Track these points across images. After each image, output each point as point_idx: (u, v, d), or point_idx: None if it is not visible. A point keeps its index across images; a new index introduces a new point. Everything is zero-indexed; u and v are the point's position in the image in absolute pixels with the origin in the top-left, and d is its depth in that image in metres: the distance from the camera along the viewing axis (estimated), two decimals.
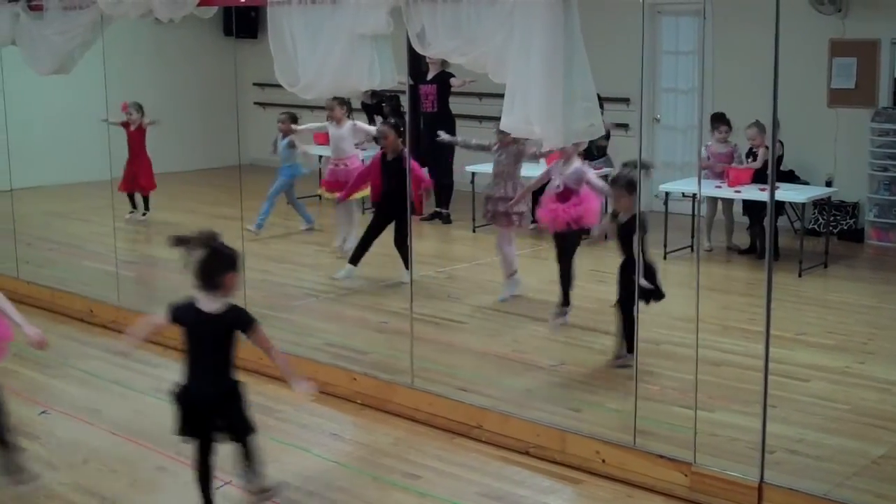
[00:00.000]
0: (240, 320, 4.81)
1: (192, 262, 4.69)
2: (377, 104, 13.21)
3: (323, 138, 11.62)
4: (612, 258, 10.37)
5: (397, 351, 7.01)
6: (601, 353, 7.33)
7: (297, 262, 10.38)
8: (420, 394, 6.33)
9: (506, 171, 8.64)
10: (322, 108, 13.61)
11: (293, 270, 9.96)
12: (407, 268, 8.75)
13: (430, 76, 11.24)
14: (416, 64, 10.79)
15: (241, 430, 4.97)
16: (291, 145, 11.08)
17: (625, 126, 11.33)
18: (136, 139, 11.91)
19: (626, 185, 6.78)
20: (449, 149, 11.07)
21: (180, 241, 4.69)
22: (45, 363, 7.49)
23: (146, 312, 7.68)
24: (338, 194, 10.00)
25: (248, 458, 5.05)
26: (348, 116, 10.62)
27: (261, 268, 9.39)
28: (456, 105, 12.34)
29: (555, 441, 5.78)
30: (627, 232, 6.74)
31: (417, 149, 10.64)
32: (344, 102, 10.41)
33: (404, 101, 12.42)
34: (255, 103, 15.56)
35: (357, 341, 7.61)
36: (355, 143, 10.62)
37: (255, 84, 15.24)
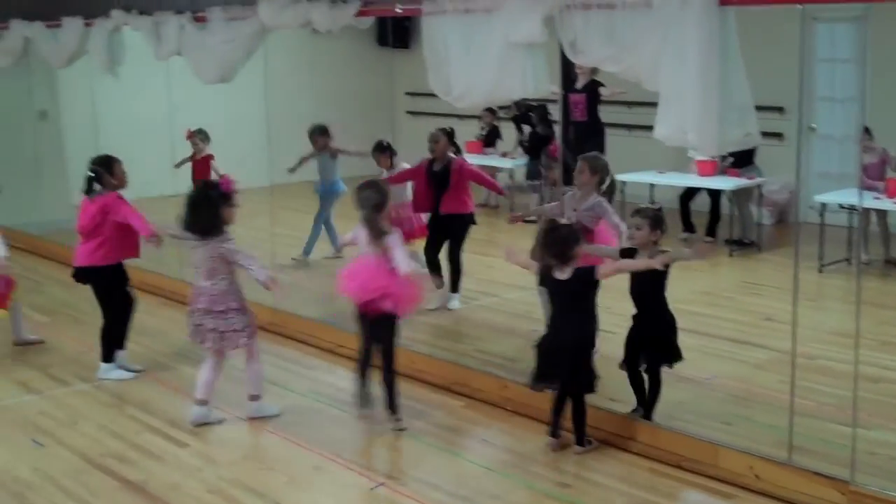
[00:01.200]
0: (585, 278, 5.77)
1: (548, 244, 5.79)
2: (525, 113, 13.24)
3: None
4: (766, 269, 10.23)
5: None
6: (755, 367, 7.21)
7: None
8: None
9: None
10: (475, 117, 13.81)
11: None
12: (454, 290, 8.74)
13: (579, 85, 11.19)
14: (566, 73, 10.76)
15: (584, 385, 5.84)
16: (333, 155, 10.57)
17: (779, 135, 11.09)
18: (201, 169, 11.23)
19: (653, 218, 6.01)
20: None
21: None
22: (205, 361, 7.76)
23: (298, 314, 7.93)
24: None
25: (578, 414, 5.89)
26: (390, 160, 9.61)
27: None
28: (605, 114, 12.27)
29: (707, 454, 5.71)
30: (649, 276, 5.95)
31: (567, 158, 10.59)
32: (385, 148, 9.55)
33: (551, 109, 12.46)
34: (407, 112, 15.77)
35: (506, 348, 7.65)
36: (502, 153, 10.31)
37: (406, 93, 15.45)
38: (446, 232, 8.73)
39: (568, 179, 7.46)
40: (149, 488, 5.63)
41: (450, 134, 8.81)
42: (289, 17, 7.76)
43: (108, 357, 7.42)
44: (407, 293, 6.13)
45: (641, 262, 5.84)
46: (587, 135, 10.94)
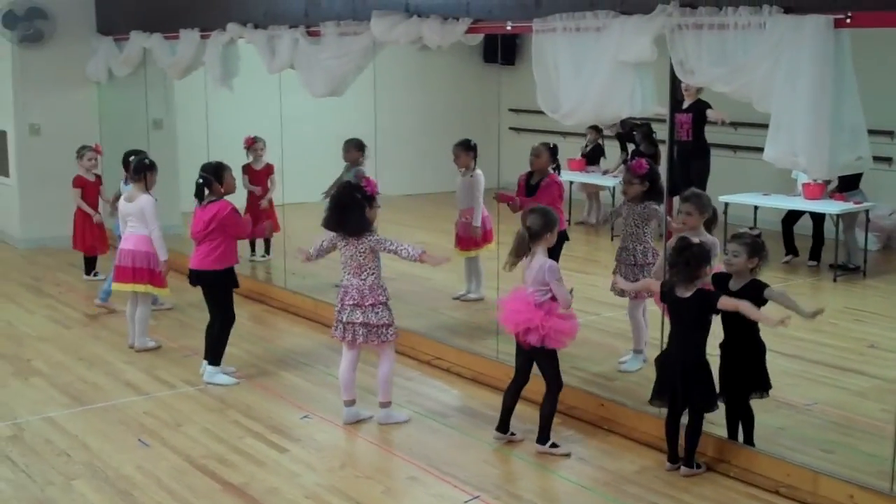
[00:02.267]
0: (705, 302, 5.76)
1: (678, 263, 5.81)
2: (629, 131, 13.20)
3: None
4: (870, 295, 10.02)
5: (643, 378, 6.98)
6: (857, 395, 7.08)
7: None
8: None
9: (633, 233, 7.55)
10: (578, 134, 13.81)
11: None
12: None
13: (685, 105, 11.13)
14: (675, 92, 10.70)
15: (696, 402, 5.84)
16: (358, 176, 9.95)
17: (888, 160, 10.88)
18: (262, 179, 11.39)
19: (751, 245, 5.90)
20: (701, 176, 10.89)
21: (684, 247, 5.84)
22: (307, 370, 7.91)
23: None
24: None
25: (690, 432, 5.87)
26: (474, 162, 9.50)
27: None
28: (711, 135, 12.17)
29: (806, 482, 5.63)
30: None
31: (671, 177, 10.53)
32: (471, 148, 9.45)
33: (655, 128, 12.39)
34: (510, 128, 15.83)
35: (604, 367, 7.64)
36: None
37: (510, 110, 15.50)
38: None
39: (646, 196, 7.44)
40: (249, 491, 5.75)
41: (552, 150, 8.71)
42: (400, 33, 7.87)
43: (214, 360, 7.59)
44: (557, 327, 6.07)
45: (759, 314, 5.70)
46: (692, 155, 10.87)
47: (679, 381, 5.82)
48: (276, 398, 7.32)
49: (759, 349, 5.96)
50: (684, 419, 5.90)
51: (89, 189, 10.53)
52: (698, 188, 8.33)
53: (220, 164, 7.61)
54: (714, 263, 6.37)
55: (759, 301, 5.81)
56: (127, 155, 9.19)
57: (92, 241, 10.60)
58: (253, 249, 11.56)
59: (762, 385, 6.00)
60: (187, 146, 12.49)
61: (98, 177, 10.65)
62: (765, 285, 5.87)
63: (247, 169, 11.29)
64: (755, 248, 5.89)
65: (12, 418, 6.92)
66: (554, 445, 6.21)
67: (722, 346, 6.01)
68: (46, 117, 12.58)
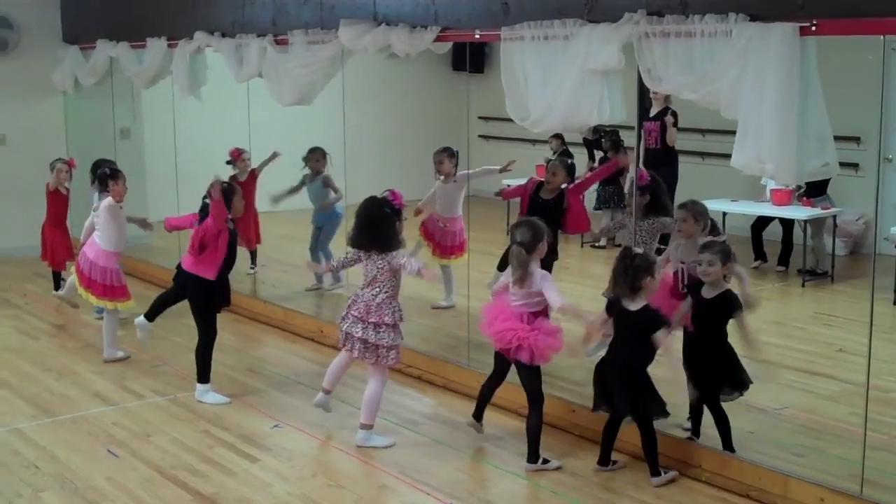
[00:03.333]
0: (649, 324, 5.74)
1: (618, 272, 5.81)
2: (597, 139, 13.23)
3: None
4: (839, 300, 10.12)
5: None
6: (827, 399, 7.14)
7: None
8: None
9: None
10: (544, 142, 13.84)
11: None
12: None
13: (652, 112, 11.16)
14: (643, 100, 10.73)
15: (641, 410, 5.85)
16: (326, 184, 10.12)
17: (854, 166, 10.98)
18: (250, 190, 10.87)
19: (721, 252, 5.94)
20: (669, 183, 10.88)
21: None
22: (277, 379, 7.88)
23: None
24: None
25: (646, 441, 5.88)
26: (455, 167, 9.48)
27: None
28: (680, 142, 12.23)
29: (777, 485, 5.66)
30: (715, 311, 5.96)
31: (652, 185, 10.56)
32: (454, 155, 9.44)
33: (623, 135, 12.43)
34: (479, 136, 15.85)
35: (574, 373, 7.63)
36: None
37: (479, 117, 15.53)
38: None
39: (649, 209, 7.35)
40: (220, 501, 5.73)
41: (569, 167, 8.36)
42: (368, 41, 7.87)
43: (204, 377, 7.44)
44: (544, 343, 6.05)
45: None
46: (660, 162, 10.90)
47: (618, 391, 5.86)
48: (247, 407, 7.29)
49: (726, 347, 5.99)
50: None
51: (60, 201, 10.36)
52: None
53: (231, 186, 7.43)
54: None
55: (729, 315, 5.89)
56: (95, 165, 9.13)
57: (62, 254, 10.44)
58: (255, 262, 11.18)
59: (733, 384, 6.02)
60: (155, 155, 12.41)
61: (68, 190, 10.51)
62: (738, 303, 5.92)
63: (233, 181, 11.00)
64: (726, 253, 5.93)
65: None
66: (545, 461, 6.16)
67: (685, 346, 6.05)
68: (12, 127, 12.47)
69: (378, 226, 6.37)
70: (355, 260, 6.57)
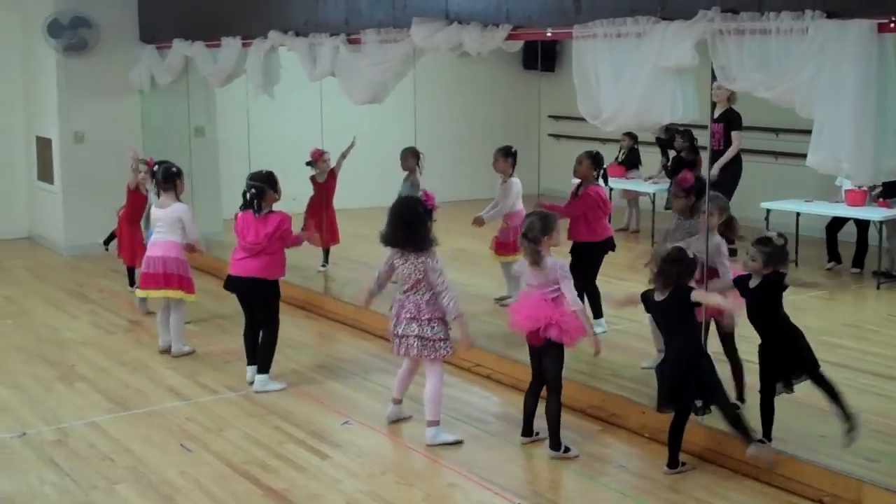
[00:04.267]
0: (681, 298, 5.86)
1: (665, 271, 5.88)
2: (670, 138, 13.13)
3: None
4: None
5: None
6: None
7: None
8: (709, 432, 6.24)
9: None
10: (615, 140, 13.76)
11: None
12: (598, 315, 8.45)
13: (716, 113, 11.02)
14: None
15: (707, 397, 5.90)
16: (413, 183, 10.08)
17: None
18: (329, 189, 11.16)
19: (769, 254, 5.89)
20: (731, 185, 10.70)
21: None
22: (348, 376, 7.93)
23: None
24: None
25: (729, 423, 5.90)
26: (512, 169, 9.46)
27: None
28: (752, 141, 12.10)
29: (850, 491, 5.57)
30: (762, 298, 5.97)
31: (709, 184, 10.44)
32: (510, 154, 9.42)
33: (697, 134, 12.31)
34: (549, 135, 15.81)
35: (645, 374, 7.58)
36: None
37: (550, 116, 15.49)
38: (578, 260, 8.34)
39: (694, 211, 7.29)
40: (290, 497, 5.78)
41: (594, 157, 8.54)
42: (440, 40, 7.88)
43: (264, 368, 7.57)
44: (570, 322, 6.13)
45: (720, 302, 5.99)
46: (724, 164, 10.77)
47: (680, 381, 5.87)
48: (317, 404, 7.35)
49: (795, 331, 5.99)
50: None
51: (139, 201, 10.44)
52: (726, 196, 8.34)
53: (271, 173, 7.62)
54: (726, 262, 6.67)
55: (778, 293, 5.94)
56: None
57: (139, 251, 10.55)
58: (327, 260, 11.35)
59: (806, 367, 6.00)
60: (228, 153, 12.59)
61: (148, 190, 10.58)
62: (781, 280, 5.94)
63: (313, 182, 11.07)
64: (771, 257, 5.87)
65: (57, 423, 6.99)
66: (566, 450, 6.22)
67: (760, 346, 6.02)
68: (90, 125, 12.71)
69: (411, 225, 6.43)
70: (390, 268, 6.61)
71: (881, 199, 10.62)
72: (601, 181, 8.63)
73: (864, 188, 10.36)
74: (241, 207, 7.59)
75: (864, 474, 5.69)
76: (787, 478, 5.82)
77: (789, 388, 6.06)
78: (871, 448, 6.22)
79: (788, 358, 5.98)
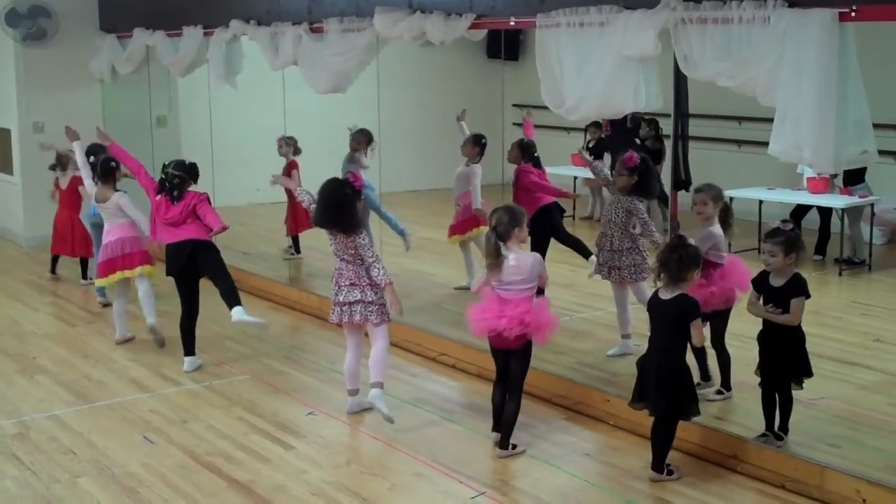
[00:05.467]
0: (683, 311, 5.64)
1: (668, 262, 5.68)
2: (635, 127, 13.16)
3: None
4: (876, 289, 10.02)
5: None
6: (864, 389, 7.07)
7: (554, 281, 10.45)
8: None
9: (613, 220, 7.56)
10: (580, 129, 13.78)
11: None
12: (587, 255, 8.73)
13: None
14: (679, 87, 10.64)
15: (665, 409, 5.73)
16: (353, 159, 10.21)
17: (893, 154, 10.85)
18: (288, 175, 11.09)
19: (786, 242, 5.81)
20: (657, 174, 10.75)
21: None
22: (312, 367, 7.91)
23: (402, 322, 7.97)
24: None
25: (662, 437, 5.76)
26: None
27: None
28: (715, 129, 12.18)
29: (813, 476, 5.61)
30: (786, 298, 5.88)
31: (676, 173, 10.50)
32: (478, 143, 9.50)
33: (663, 124, 12.36)
34: (514, 124, 15.79)
35: (609, 362, 7.62)
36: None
37: (514, 105, 15.47)
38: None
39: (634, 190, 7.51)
40: (255, 488, 5.75)
41: (522, 146, 9.06)
42: (403, 29, 7.85)
43: (237, 299, 7.61)
44: (539, 320, 5.99)
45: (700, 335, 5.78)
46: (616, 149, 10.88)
47: (654, 389, 5.70)
48: (282, 395, 7.32)
49: (799, 336, 5.96)
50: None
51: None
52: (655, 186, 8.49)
53: (194, 164, 7.82)
54: (723, 254, 6.58)
55: (801, 294, 5.83)
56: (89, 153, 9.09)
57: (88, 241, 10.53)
58: (298, 249, 11.43)
59: (803, 371, 5.99)
60: (191, 143, 12.47)
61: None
62: (806, 287, 5.86)
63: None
64: (790, 244, 5.80)
65: (18, 416, 6.92)
66: (514, 447, 6.13)
67: (760, 334, 6.00)
68: (50, 115, 12.54)
69: (341, 207, 6.46)
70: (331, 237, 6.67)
71: (843, 187, 10.71)
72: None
73: (827, 176, 10.44)
74: (157, 192, 7.72)
75: (827, 460, 5.74)
76: (749, 463, 5.86)
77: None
78: (833, 434, 6.27)
79: (790, 360, 5.96)
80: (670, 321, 5.70)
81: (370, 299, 6.49)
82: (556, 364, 7.39)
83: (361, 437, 6.59)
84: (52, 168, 10.54)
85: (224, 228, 7.62)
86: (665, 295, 5.74)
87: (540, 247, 8.61)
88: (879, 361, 7.55)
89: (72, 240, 10.52)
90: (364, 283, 6.49)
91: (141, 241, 8.34)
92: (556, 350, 7.67)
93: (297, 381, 7.61)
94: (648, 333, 5.89)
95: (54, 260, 10.93)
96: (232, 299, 7.60)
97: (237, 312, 7.54)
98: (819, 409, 6.71)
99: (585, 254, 8.94)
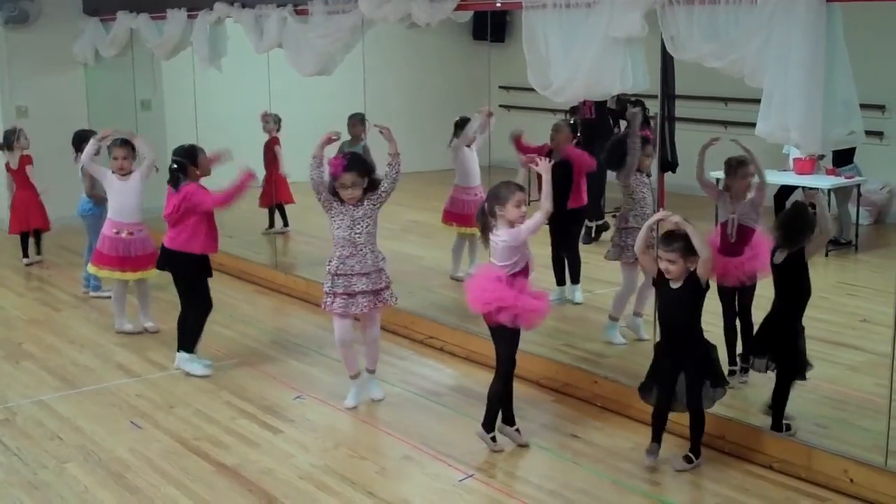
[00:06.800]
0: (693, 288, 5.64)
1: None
2: (622, 109, 13.14)
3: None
4: (863, 270, 10.04)
5: (638, 356, 6.97)
6: (851, 369, 7.09)
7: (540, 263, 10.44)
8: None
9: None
10: (566, 111, 13.74)
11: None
12: (575, 281, 8.60)
13: None
14: (666, 68, 10.61)
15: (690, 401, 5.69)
16: (366, 153, 10.03)
17: (879, 134, 10.87)
18: (267, 150, 11.42)
19: (682, 248, 5.61)
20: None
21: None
22: (300, 351, 7.89)
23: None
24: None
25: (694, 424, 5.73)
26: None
27: None
28: (702, 110, 12.15)
29: (800, 457, 5.64)
30: (790, 275, 6.05)
31: (662, 154, 10.47)
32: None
33: (650, 105, 12.33)
34: (501, 106, 15.75)
35: (597, 344, 7.63)
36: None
37: (500, 87, 15.43)
38: (569, 227, 8.63)
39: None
40: (242, 472, 5.74)
41: (572, 125, 8.79)
42: (389, 11, 7.80)
43: (187, 346, 7.42)
44: (529, 306, 5.80)
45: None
46: (597, 133, 10.84)
47: (670, 379, 5.69)
48: (269, 379, 7.30)
49: (797, 329, 6.05)
50: None
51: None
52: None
53: (193, 146, 7.51)
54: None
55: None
56: (77, 136, 9.07)
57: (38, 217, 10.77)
58: (272, 224, 11.60)
59: (797, 370, 6.03)
60: (176, 126, 12.38)
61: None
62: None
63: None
64: (688, 248, 5.54)
65: (4, 402, 6.90)
66: (493, 439, 5.98)
67: (763, 325, 6.11)
68: (34, 99, 12.51)
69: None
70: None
71: (830, 167, 10.71)
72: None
73: (813, 156, 10.44)
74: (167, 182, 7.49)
75: (815, 440, 5.76)
76: (737, 444, 5.88)
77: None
78: (820, 414, 6.29)
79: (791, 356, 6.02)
80: (679, 304, 5.65)
81: (377, 287, 6.54)
82: (544, 346, 7.38)
83: (349, 420, 6.57)
84: (0, 148, 10.51)
85: (240, 190, 7.40)
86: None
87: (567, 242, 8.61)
88: (866, 342, 7.58)
89: (27, 215, 10.64)
90: (371, 271, 6.49)
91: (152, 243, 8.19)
92: (544, 333, 7.67)
93: (284, 365, 7.59)
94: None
95: (23, 242, 10.90)
96: (183, 338, 7.40)
97: (178, 358, 7.41)
98: (806, 390, 6.70)
99: (575, 277, 8.69)
